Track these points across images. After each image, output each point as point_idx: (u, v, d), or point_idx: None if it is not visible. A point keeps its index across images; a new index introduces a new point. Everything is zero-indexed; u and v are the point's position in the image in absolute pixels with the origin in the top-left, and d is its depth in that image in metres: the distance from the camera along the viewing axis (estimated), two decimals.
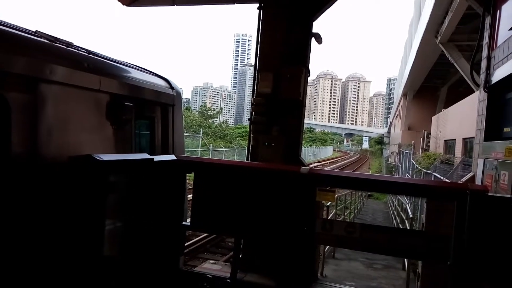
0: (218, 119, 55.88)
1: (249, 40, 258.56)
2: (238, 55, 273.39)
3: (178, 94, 4.24)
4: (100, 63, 3.11)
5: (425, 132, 29.21)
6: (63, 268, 2.47)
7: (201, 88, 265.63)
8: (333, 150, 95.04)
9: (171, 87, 4.12)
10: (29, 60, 2.37)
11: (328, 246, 7.64)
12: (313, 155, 57.40)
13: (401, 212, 13.12)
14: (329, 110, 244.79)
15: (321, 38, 4.98)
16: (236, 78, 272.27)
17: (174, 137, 4.08)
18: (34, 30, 2.67)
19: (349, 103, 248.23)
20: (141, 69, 3.81)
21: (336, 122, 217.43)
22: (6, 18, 2.64)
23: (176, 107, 4.15)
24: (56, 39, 2.74)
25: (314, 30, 4.94)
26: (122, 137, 3.20)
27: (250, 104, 5.16)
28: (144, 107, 3.58)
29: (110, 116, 3.03)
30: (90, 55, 3.00)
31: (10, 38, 2.38)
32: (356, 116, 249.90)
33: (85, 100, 2.83)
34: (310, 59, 4.97)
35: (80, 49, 2.96)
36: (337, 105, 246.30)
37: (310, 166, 6.63)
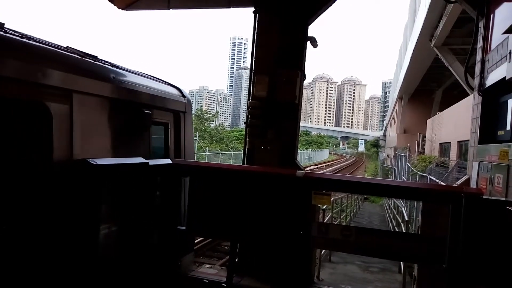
0: (214, 122, 55.81)
1: (245, 44, 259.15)
2: (234, 59, 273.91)
3: (189, 102, 4.61)
4: (123, 74, 3.49)
5: (421, 135, 29.32)
6: (60, 271, 2.46)
7: (197, 92, 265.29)
8: (329, 153, 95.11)
9: (183, 95, 4.48)
10: (64, 74, 2.71)
11: (324, 250, 7.63)
12: (309, 158, 57.42)
13: (396, 215, 13.14)
14: (325, 113, 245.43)
15: (317, 42, 4.99)
16: (232, 81, 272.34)
17: (185, 141, 4.43)
18: (65, 46, 2.97)
19: (345, 106, 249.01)
20: (156, 79, 4.19)
21: (332, 125, 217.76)
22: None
23: (187, 114, 4.51)
24: (84, 54, 3.09)
25: (309, 34, 4.95)
26: (140, 142, 3.58)
27: (246, 107, 5.16)
28: (159, 114, 3.94)
29: (131, 123, 3.39)
30: (114, 68, 3.37)
31: (49, 55, 2.76)
32: (352, 119, 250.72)
33: (111, 108, 3.16)
34: (306, 62, 4.99)
35: (105, 62, 3.33)
36: (333, 108, 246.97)
37: (306, 169, 6.63)
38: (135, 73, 3.74)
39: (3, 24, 2.50)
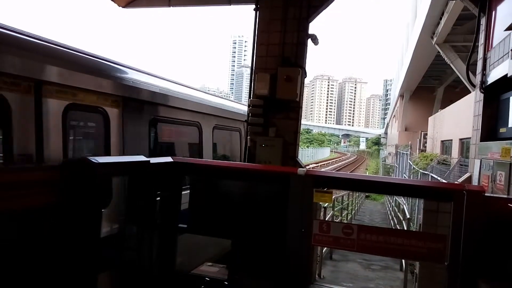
0: None
1: (245, 42, 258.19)
2: (235, 57, 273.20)
3: None
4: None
5: (422, 132, 29.29)
6: (60, 268, 2.46)
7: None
8: (331, 151, 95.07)
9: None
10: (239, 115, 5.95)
11: (325, 248, 7.63)
12: (310, 156, 57.40)
13: (398, 213, 13.13)
14: (326, 111, 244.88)
15: (318, 39, 4.98)
16: (233, 79, 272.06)
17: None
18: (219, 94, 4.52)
19: (346, 104, 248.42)
20: (239, 103, 7.16)
21: (333, 123, 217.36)
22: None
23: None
24: (238, 102, 4.87)
25: (310, 31, 4.94)
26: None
27: (247, 105, 5.15)
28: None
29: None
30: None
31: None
32: (353, 117, 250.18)
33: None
34: (307, 60, 4.98)
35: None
36: (334, 106, 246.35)
37: (307, 167, 6.67)
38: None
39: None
